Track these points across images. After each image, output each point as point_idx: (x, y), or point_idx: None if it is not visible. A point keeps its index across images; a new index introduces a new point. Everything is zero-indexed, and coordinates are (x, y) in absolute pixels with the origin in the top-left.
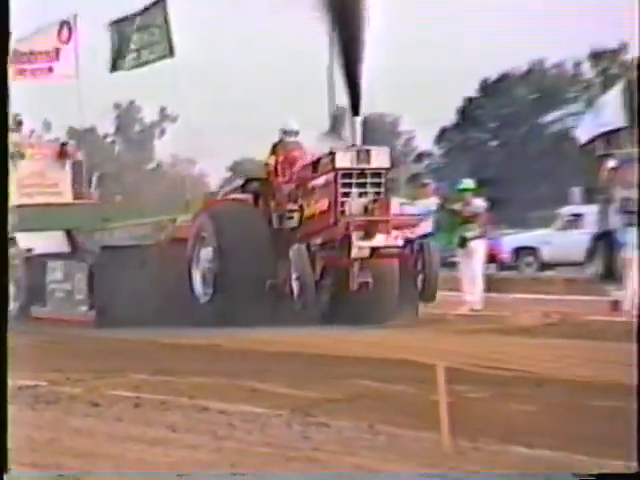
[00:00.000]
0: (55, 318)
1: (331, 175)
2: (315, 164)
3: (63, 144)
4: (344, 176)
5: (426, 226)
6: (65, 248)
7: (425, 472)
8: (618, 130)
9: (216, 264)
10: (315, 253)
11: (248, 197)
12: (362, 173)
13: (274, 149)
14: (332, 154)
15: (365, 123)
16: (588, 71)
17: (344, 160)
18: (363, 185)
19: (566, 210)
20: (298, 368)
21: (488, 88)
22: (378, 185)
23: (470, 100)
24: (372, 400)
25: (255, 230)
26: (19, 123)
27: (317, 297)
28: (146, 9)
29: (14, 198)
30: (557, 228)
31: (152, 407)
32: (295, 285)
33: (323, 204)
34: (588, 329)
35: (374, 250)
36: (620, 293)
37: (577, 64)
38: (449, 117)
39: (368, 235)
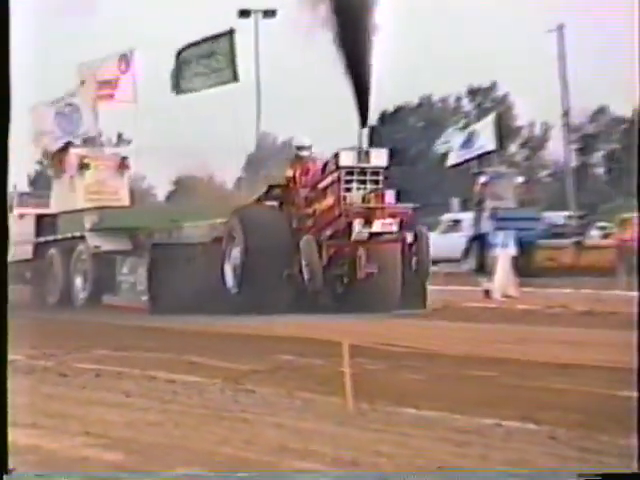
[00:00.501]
0: (122, 305)
1: (335, 174)
2: (324, 167)
3: (123, 158)
4: (347, 173)
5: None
6: (128, 246)
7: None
8: (489, 152)
9: (243, 260)
10: (322, 242)
11: (274, 202)
12: (362, 171)
13: (292, 163)
14: (336, 155)
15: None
16: (467, 105)
17: (347, 159)
18: (363, 182)
19: (447, 217)
20: (234, 346)
21: (386, 118)
22: (376, 182)
23: (372, 129)
24: (290, 371)
25: (277, 230)
26: (98, 139)
27: (326, 283)
28: (213, 38)
29: (81, 202)
30: (440, 231)
31: (110, 377)
32: (305, 271)
33: (330, 200)
34: (466, 313)
35: (372, 235)
36: (490, 284)
37: (458, 99)
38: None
39: (367, 222)
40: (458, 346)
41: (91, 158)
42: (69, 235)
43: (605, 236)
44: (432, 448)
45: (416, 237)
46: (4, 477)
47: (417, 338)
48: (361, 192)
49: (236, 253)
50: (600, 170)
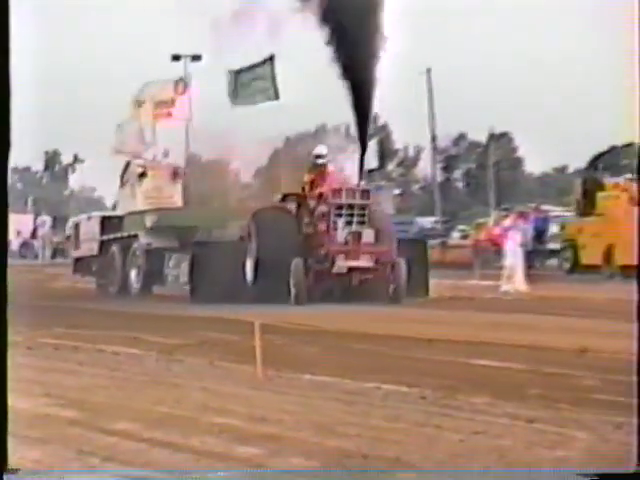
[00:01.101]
0: (169, 295)
1: (326, 207)
2: (320, 195)
3: (175, 168)
4: (337, 208)
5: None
6: (175, 243)
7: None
8: (372, 170)
9: (256, 256)
10: (310, 265)
11: (291, 207)
12: (350, 206)
13: (309, 169)
14: (330, 191)
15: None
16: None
17: (336, 197)
18: (351, 215)
19: None
20: (168, 326)
21: (289, 142)
22: (362, 215)
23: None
24: (213, 345)
25: (286, 231)
26: (164, 154)
27: (309, 296)
28: (260, 64)
29: (140, 206)
30: None
31: (67, 350)
32: (292, 289)
33: (323, 226)
34: None
35: (350, 268)
36: None
37: (347, 127)
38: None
39: (347, 258)
40: (344, 324)
41: (148, 168)
42: (126, 234)
43: (464, 237)
44: (325, 406)
45: (393, 267)
46: (4, 477)
47: (311, 319)
48: (345, 231)
49: (252, 250)
50: (460, 184)
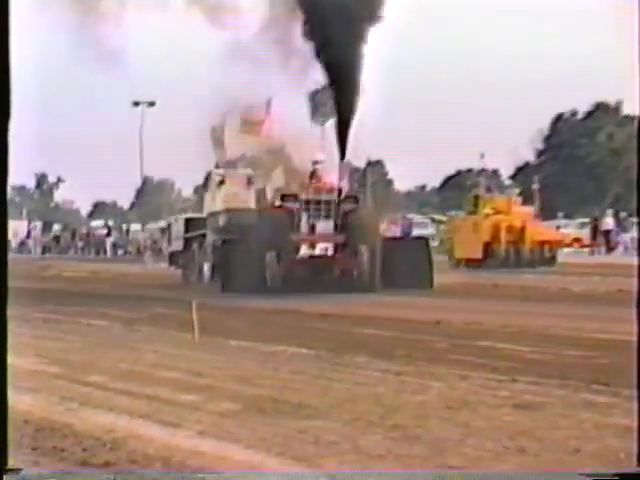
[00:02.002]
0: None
1: (297, 203)
2: (294, 195)
3: (249, 176)
4: (305, 203)
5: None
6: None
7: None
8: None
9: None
10: (281, 257)
11: (293, 207)
12: (318, 201)
13: (310, 174)
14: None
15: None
16: None
17: (303, 193)
18: (318, 210)
19: None
20: (130, 303)
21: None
22: (328, 210)
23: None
24: (162, 318)
25: (280, 229)
26: (231, 163)
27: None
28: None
29: (219, 208)
30: None
31: (54, 322)
32: (268, 277)
33: (291, 222)
34: None
35: (312, 256)
36: None
37: None
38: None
39: (310, 247)
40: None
41: (226, 176)
42: (202, 232)
43: None
44: (245, 364)
45: (356, 253)
46: (4, 477)
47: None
48: (308, 223)
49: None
50: None
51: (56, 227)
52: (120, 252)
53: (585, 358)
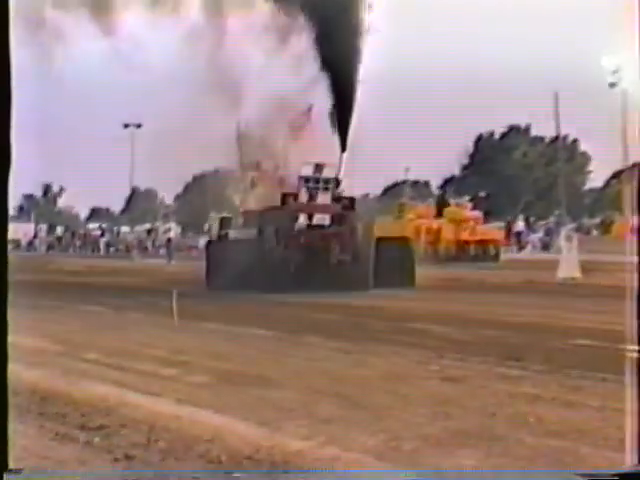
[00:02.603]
0: None
1: (298, 180)
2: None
3: (281, 178)
4: (305, 181)
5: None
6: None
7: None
8: None
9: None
10: (280, 231)
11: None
12: (317, 179)
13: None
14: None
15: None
16: None
17: (306, 170)
18: (317, 188)
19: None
20: (120, 294)
21: None
22: (327, 188)
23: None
24: (147, 305)
25: (284, 227)
26: (258, 165)
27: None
28: None
29: (253, 206)
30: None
31: (56, 308)
32: (266, 252)
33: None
34: None
35: (309, 225)
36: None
37: None
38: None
39: (308, 216)
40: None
41: (258, 178)
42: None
43: None
44: (217, 343)
45: (353, 231)
46: (4, 477)
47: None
48: (307, 195)
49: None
50: None
51: (59, 229)
52: (112, 250)
53: (500, 338)
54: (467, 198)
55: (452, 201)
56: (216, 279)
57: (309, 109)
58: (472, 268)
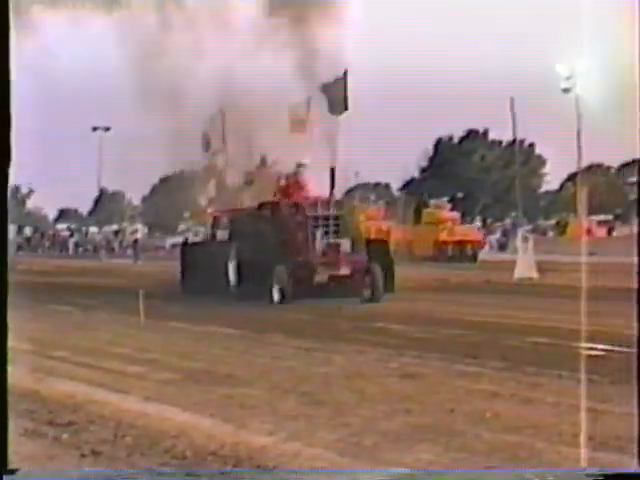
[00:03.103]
0: None
1: (302, 218)
2: (295, 204)
3: (280, 175)
4: (314, 219)
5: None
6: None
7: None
8: None
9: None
10: (292, 272)
11: (266, 213)
12: (325, 217)
13: (288, 175)
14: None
15: None
16: None
17: (312, 210)
18: (327, 225)
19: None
20: (88, 292)
21: None
22: (337, 225)
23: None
24: (114, 304)
25: (264, 237)
26: (263, 162)
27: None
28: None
29: (249, 204)
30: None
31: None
32: (276, 292)
33: (300, 235)
34: None
35: (330, 277)
36: None
37: None
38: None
39: (327, 268)
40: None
41: (255, 176)
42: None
43: None
44: (183, 341)
45: (369, 270)
46: (4, 476)
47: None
48: (322, 242)
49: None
50: None
51: (27, 230)
52: (80, 250)
53: (459, 336)
54: (446, 199)
55: (432, 202)
56: (191, 283)
57: (308, 102)
58: (448, 269)
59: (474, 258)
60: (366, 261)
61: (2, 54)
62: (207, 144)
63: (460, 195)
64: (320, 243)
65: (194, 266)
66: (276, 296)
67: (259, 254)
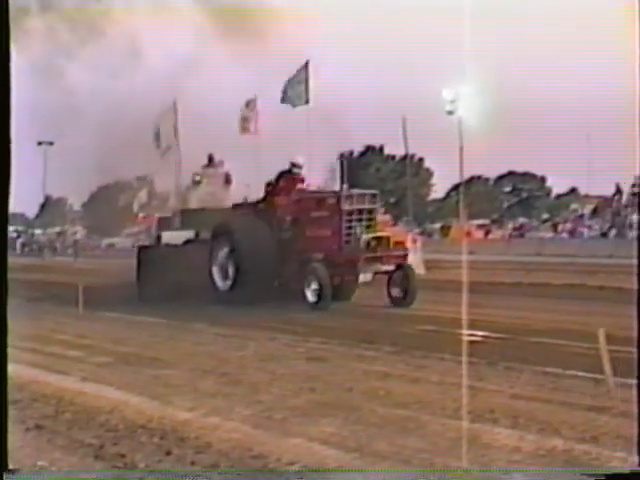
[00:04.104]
0: None
1: (337, 214)
2: (321, 200)
3: (227, 175)
4: (348, 214)
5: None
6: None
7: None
8: None
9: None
10: (332, 269)
11: (261, 213)
12: (360, 211)
13: (280, 175)
14: (338, 197)
15: None
16: None
17: (347, 203)
18: (360, 220)
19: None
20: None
21: None
22: (370, 220)
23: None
24: (57, 298)
25: (262, 237)
26: (210, 160)
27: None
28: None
29: (195, 206)
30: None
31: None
32: (310, 293)
33: (327, 231)
34: None
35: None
36: None
37: None
38: None
39: (371, 265)
40: None
41: (203, 176)
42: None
43: None
44: (117, 329)
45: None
46: (4, 476)
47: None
48: (366, 237)
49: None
50: None
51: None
52: (27, 249)
53: (358, 324)
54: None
55: None
56: (154, 289)
57: (253, 102)
58: None
59: (405, 257)
60: (404, 257)
61: (2, 55)
62: (158, 139)
63: (392, 200)
64: (364, 238)
65: (160, 270)
66: (311, 297)
67: (268, 253)
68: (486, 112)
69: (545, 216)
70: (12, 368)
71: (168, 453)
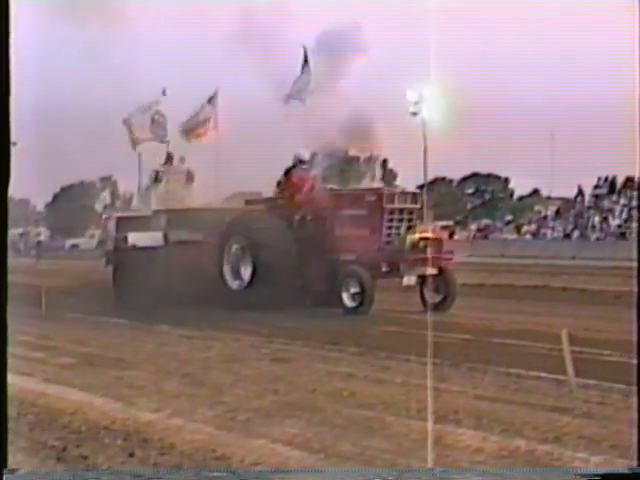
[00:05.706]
0: None
1: (378, 212)
2: (357, 197)
3: (189, 172)
4: (389, 212)
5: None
6: (157, 243)
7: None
8: None
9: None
10: (373, 273)
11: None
12: (401, 210)
13: (287, 172)
14: (379, 194)
15: None
16: None
17: (389, 202)
18: (400, 220)
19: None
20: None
21: None
22: (410, 220)
23: None
24: (19, 298)
25: (283, 236)
26: (169, 157)
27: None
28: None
29: (153, 207)
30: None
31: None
32: (348, 298)
33: (364, 231)
34: None
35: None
36: None
37: None
38: None
39: (415, 267)
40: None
41: (163, 173)
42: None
43: None
44: (80, 330)
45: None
46: (4, 476)
47: None
48: (412, 237)
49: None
50: None
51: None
52: None
53: (323, 326)
54: None
55: None
56: (133, 296)
57: (210, 101)
58: None
59: None
60: (450, 260)
61: (3, 56)
62: (132, 135)
63: None
64: (410, 238)
65: (150, 273)
66: (349, 301)
67: (288, 252)
68: (450, 113)
69: (509, 217)
70: None
71: (131, 455)
